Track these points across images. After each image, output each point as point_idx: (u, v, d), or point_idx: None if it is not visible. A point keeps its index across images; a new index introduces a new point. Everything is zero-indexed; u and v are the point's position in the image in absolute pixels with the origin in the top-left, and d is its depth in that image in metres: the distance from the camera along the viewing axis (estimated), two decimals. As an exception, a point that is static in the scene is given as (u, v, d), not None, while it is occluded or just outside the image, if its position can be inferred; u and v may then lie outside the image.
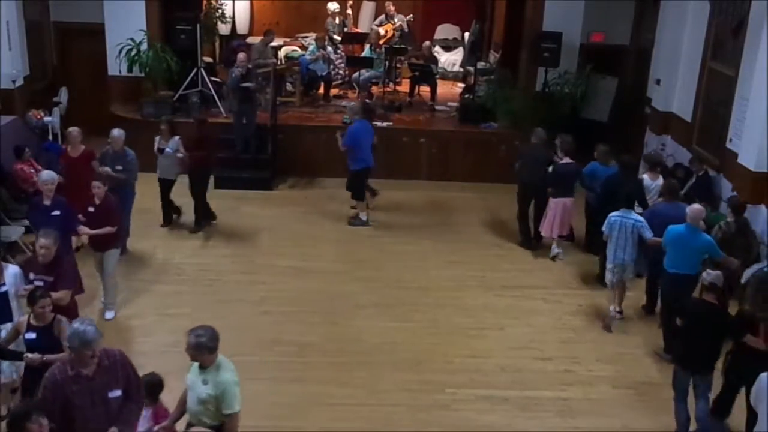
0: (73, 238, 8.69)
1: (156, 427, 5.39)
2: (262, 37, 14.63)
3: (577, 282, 9.90)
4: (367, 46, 16.17)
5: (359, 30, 17.19)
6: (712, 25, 11.21)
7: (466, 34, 17.82)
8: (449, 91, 16.10)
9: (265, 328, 8.44)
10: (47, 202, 7.96)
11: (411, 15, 17.11)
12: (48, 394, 4.87)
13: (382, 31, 16.33)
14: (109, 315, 8.50)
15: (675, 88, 12.19)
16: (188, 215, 10.89)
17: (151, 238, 10.51)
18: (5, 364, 6.42)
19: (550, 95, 13.34)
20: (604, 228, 8.77)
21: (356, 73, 15.18)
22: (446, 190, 12.85)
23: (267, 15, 17.92)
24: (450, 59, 17.94)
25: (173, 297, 9.03)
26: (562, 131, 10.77)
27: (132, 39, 12.80)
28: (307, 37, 16.48)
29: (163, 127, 10.40)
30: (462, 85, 16.10)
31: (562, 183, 10.15)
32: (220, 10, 16.06)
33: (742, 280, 8.03)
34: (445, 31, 18.64)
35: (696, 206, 7.99)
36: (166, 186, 10.59)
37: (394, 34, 16.41)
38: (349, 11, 17.11)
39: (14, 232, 9.54)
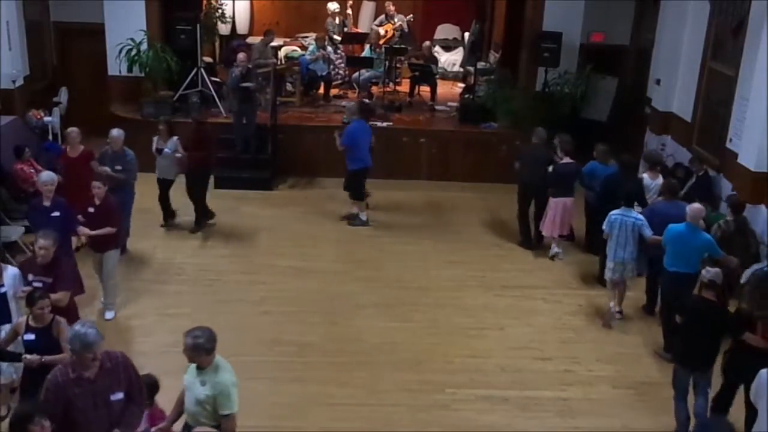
0: (73, 238, 8.70)
1: (153, 429, 5.38)
2: (262, 37, 14.64)
3: (577, 282, 9.90)
4: (367, 46, 16.17)
5: (359, 30, 17.19)
6: (712, 25, 11.21)
7: (466, 34, 17.82)
8: (449, 91, 16.10)
9: (265, 328, 8.44)
10: (47, 203, 7.96)
11: (411, 15, 17.11)
12: (49, 396, 4.86)
13: (382, 31, 16.33)
14: (109, 315, 8.50)
15: (675, 88, 12.19)
16: (188, 215, 10.87)
17: (151, 238, 10.51)
18: (5, 364, 6.42)
19: (550, 95, 13.35)
20: (604, 226, 8.78)
21: (356, 73, 15.18)
22: (446, 190, 12.85)
23: (267, 15, 17.92)
24: (450, 59, 17.94)
25: (173, 297, 9.03)
26: (562, 131, 10.77)
27: (132, 39, 12.80)
28: (307, 37, 16.48)
29: (162, 127, 10.39)
30: (462, 85, 16.10)
31: (562, 183, 10.16)
32: (220, 10, 16.06)
33: (742, 280, 8.03)
34: (445, 31, 18.65)
35: (696, 205, 8.00)
36: (165, 186, 10.59)
37: (394, 34, 16.41)
38: (349, 11, 17.11)
39: (14, 232, 9.54)
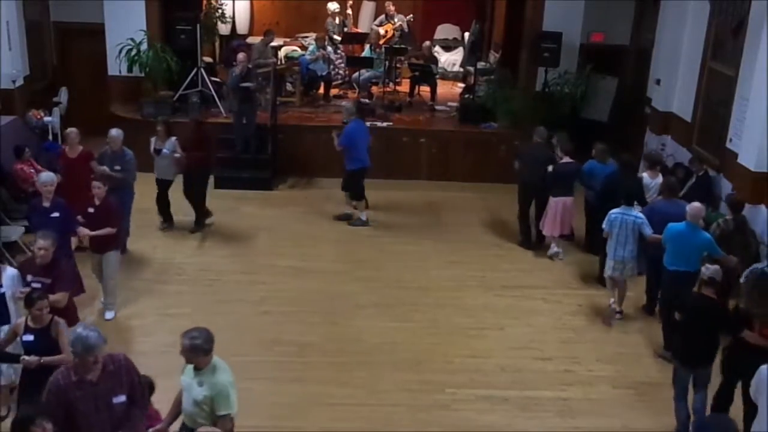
0: (73, 239, 8.68)
1: (150, 430, 5.36)
2: (262, 37, 14.65)
3: (577, 282, 9.90)
4: (367, 46, 16.16)
5: (359, 30, 17.19)
6: (712, 25, 11.20)
7: (466, 34, 17.82)
8: (449, 91, 16.10)
9: (265, 328, 8.44)
10: (46, 204, 7.93)
11: (411, 15, 17.11)
12: (51, 398, 4.85)
13: (382, 31, 16.33)
14: (109, 315, 8.49)
15: (675, 88, 12.19)
16: (187, 215, 10.87)
17: (151, 238, 10.51)
18: (4, 366, 6.42)
19: (550, 95, 13.34)
20: (604, 225, 8.80)
21: (356, 73, 15.18)
22: (446, 190, 12.85)
23: (267, 15, 17.92)
24: (450, 59, 17.94)
25: (173, 297, 9.03)
26: (562, 131, 10.78)
27: (132, 39, 12.80)
28: (307, 37, 16.48)
29: (160, 128, 10.37)
30: (462, 85, 16.10)
31: (561, 182, 10.16)
32: (220, 10, 16.05)
33: (742, 279, 8.03)
34: (445, 31, 18.64)
35: (696, 204, 8.02)
36: (163, 187, 10.58)
37: (394, 34, 16.41)
38: (349, 11, 17.11)
39: (14, 232, 9.54)
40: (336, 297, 9.19)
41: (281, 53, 15.26)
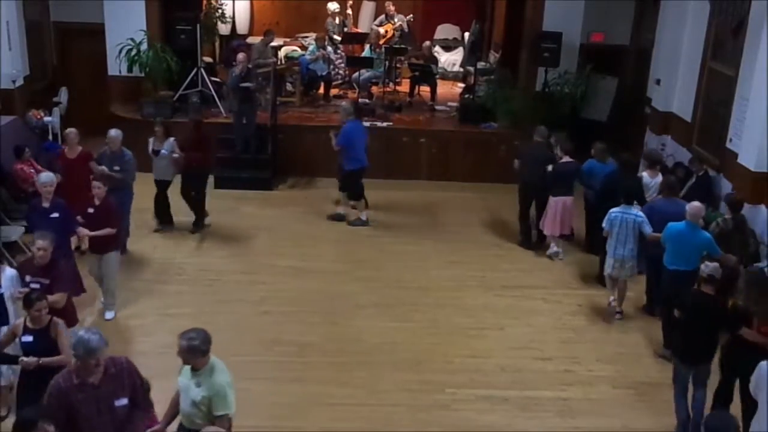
0: (73, 240, 8.67)
1: (148, 431, 5.35)
2: (262, 37, 14.64)
3: (577, 282, 9.90)
4: (367, 46, 16.16)
5: (359, 30, 17.19)
6: (712, 25, 11.20)
7: (466, 34, 17.82)
8: (449, 91, 16.10)
9: (265, 328, 8.44)
10: (46, 204, 7.92)
11: (411, 15, 17.11)
12: (53, 401, 4.83)
13: (382, 31, 16.33)
14: (109, 315, 8.49)
15: (675, 88, 12.19)
16: (186, 216, 10.86)
17: (151, 238, 10.52)
18: (4, 366, 6.40)
19: (550, 95, 13.34)
20: (604, 224, 8.81)
21: (356, 73, 15.17)
22: (446, 190, 12.85)
23: (267, 15, 17.91)
24: (450, 59, 17.94)
25: (173, 297, 9.03)
26: (562, 131, 10.77)
27: (132, 39, 12.79)
28: (307, 37, 16.48)
29: (158, 128, 10.34)
30: (462, 85, 16.10)
31: (561, 182, 10.16)
32: (220, 10, 16.05)
33: (740, 278, 8.06)
34: (445, 31, 18.64)
35: (696, 203, 8.03)
36: (162, 187, 10.57)
37: (394, 34, 16.41)
38: (349, 11, 17.11)
39: (14, 232, 9.53)
40: (336, 297, 9.19)
41: (281, 53, 15.26)
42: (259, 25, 17.21)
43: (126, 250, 9.75)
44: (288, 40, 16.53)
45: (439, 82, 15.54)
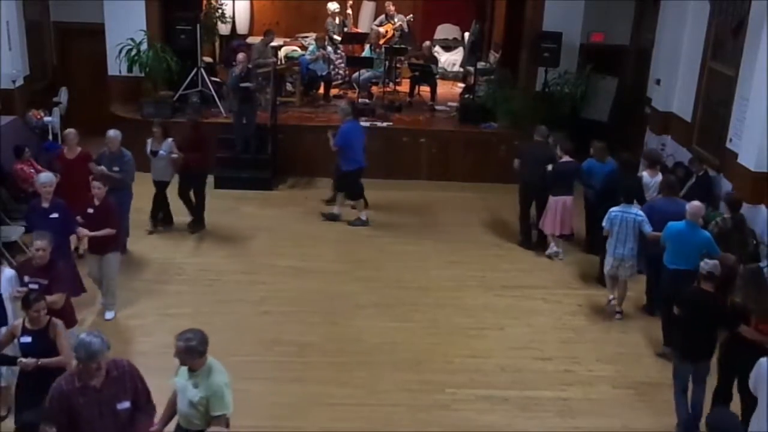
0: (72, 240, 8.66)
1: None
2: (262, 37, 14.65)
3: (577, 282, 9.90)
4: (367, 46, 16.17)
5: (359, 30, 17.20)
6: (712, 25, 11.20)
7: (466, 34, 17.83)
8: (449, 91, 16.11)
9: (265, 328, 8.44)
10: (45, 205, 7.90)
11: (411, 15, 17.12)
12: (54, 404, 4.82)
13: (382, 30, 16.33)
14: (109, 315, 8.48)
15: (675, 88, 12.18)
16: (187, 216, 10.87)
17: (151, 238, 10.52)
18: (3, 366, 6.39)
19: (550, 95, 13.35)
20: (604, 223, 8.82)
21: (356, 73, 15.17)
22: (446, 190, 12.85)
23: (267, 15, 17.92)
24: (450, 59, 17.95)
25: (173, 297, 9.03)
26: (562, 131, 10.77)
27: (132, 39, 12.79)
28: (307, 37, 16.48)
29: (156, 129, 10.33)
30: (462, 85, 16.11)
31: (561, 181, 10.17)
32: (220, 10, 16.06)
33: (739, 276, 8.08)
34: (445, 31, 18.65)
35: (696, 203, 8.05)
36: (161, 188, 10.56)
37: (394, 34, 16.42)
38: (349, 11, 17.12)
39: (14, 232, 9.53)
40: (336, 297, 9.19)
41: (281, 53, 15.26)
42: (259, 25, 17.22)
43: (126, 250, 9.74)
44: (288, 40, 16.54)
45: (439, 82, 15.54)
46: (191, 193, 10.74)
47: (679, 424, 6.92)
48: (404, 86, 15.90)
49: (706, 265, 6.84)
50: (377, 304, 9.08)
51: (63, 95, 13.01)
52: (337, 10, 16.25)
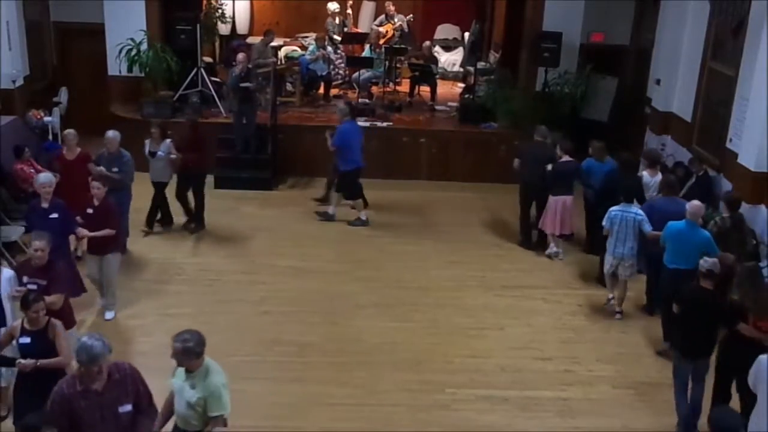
0: (72, 241, 8.65)
1: None
2: (262, 37, 14.65)
3: (577, 282, 9.90)
4: (367, 46, 16.17)
5: (359, 30, 17.20)
6: (712, 25, 11.21)
7: (466, 34, 17.83)
8: (449, 91, 16.11)
9: (265, 328, 8.43)
10: (45, 205, 7.89)
11: (411, 15, 17.12)
12: (56, 408, 4.81)
13: (382, 30, 16.34)
14: (109, 315, 8.48)
15: (675, 88, 12.19)
16: (184, 217, 10.88)
17: (151, 238, 10.52)
18: (3, 368, 6.39)
19: (550, 95, 13.35)
20: (604, 222, 8.82)
21: (356, 73, 15.18)
22: (446, 190, 12.85)
23: (267, 15, 17.93)
24: (450, 59, 17.95)
25: (173, 297, 9.03)
26: (562, 131, 10.77)
27: (132, 39, 12.80)
28: (307, 37, 16.49)
29: (154, 130, 10.32)
30: (462, 85, 16.11)
31: (561, 181, 10.17)
32: (220, 10, 16.06)
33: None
34: (445, 31, 18.65)
35: (696, 202, 8.06)
36: (159, 189, 10.55)
37: (394, 34, 16.42)
38: (349, 11, 17.12)
39: (14, 232, 9.54)
40: (336, 297, 9.19)
41: (281, 53, 15.26)
42: (259, 25, 17.22)
43: (126, 250, 9.74)
44: (288, 40, 16.54)
45: (439, 82, 15.54)
46: (189, 194, 10.74)
47: (680, 422, 6.93)
48: (404, 86, 15.90)
49: (706, 262, 6.85)
50: (377, 304, 9.08)
51: (63, 95, 13.01)
52: (337, 10, 16.25)
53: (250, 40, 16.10)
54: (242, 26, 17.63)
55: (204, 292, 9.18)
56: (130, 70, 12.90)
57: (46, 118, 12.27)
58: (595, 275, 9.79)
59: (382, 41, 16.09)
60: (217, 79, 13.97)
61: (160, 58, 12.81)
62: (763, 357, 5.89)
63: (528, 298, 9.42)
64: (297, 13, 17.91)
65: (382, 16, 16.81)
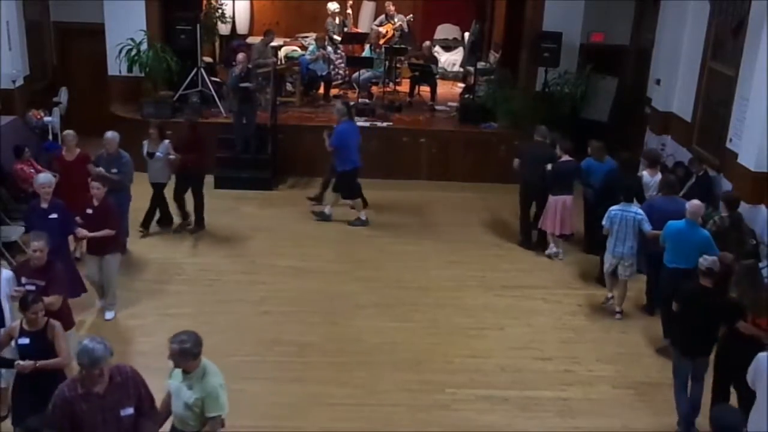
0: (71, 241, 8.65)
1: None
2: (262, 37, 14.65)
3: (577, 282, 9.90)
4: (367, 46, 16.17)
5: (359, 30, 17.20)
6: (712, 25, 11.21)
7: (466, 34, 17.83)
8: (449, 91, 16.11)
9: (265, 328, 8.43)
10: (45, 205, 7.88)
11: (411, 15, 17.13)
12: (57, 411, 4.79)
13: (382, 30, 16.34)
14: (109, 315, 8.48)
15: (675, 88, 12.19)
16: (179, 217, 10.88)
17: (151, 238, 10.52)
18: (3, 369, 6.38)
19: (550, 95, 13.35)
20: (604, 222, 8.83)
21: (356, 73, 15.18)
22: (446, 190, 12.85)
23: (267, 15, 17.93)
24: (450, 59, 17.95)
25: (173, 297, 9.03)
26: (561, 131, 10.77)
27: (132, 39, 12.80)
28: (307, 37, 16.49)
29: (152, 131, 10.30)
30: (462, 85, 16.11)
31: (561, 181, 10.17)
32: (220, 10, 16.06)
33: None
34: (445, 31, 18.65)
35: (695, 202, 8.07)
36: (158, 189, 10.55)
37: (394, 34, 16.42)
38: (349, 11, 17.13)
39: (14, 232, 9.54)
40: (336, 297, 9.19)
41: (281, 53, 15.27)
42: (259, 25, 17.22)
43: (126, 251, 9.74)
44: (288, 40, 16.54)
45: (439, 82, 15.55)
46: (188, 195, 10.72)
47: (680, 421, 6.93)
48: (404, 86, 15.90)
49: (705, 261, 6.87)
50: (377, 304, 9.08)
51: (63, 95, 13.00)
52: (337, 10, 16.25)
53: (250, 40, 16.10)
54: (242, 26, 17.63)
55: (204, 292, 9.18)
56: (130, 70, 12.90)
57: (46, 118, 12.26)
58: (595, 275, 9.79)
59: (382, 41, 16.09)
60: (217, 79, 13.97)
61: (160, 58, 12.81)
62: (762, 354, 5.90)
63: (528, 298, 9.42)
64: (297, 13, 17.92)
65: (382, 16, 16.81)
